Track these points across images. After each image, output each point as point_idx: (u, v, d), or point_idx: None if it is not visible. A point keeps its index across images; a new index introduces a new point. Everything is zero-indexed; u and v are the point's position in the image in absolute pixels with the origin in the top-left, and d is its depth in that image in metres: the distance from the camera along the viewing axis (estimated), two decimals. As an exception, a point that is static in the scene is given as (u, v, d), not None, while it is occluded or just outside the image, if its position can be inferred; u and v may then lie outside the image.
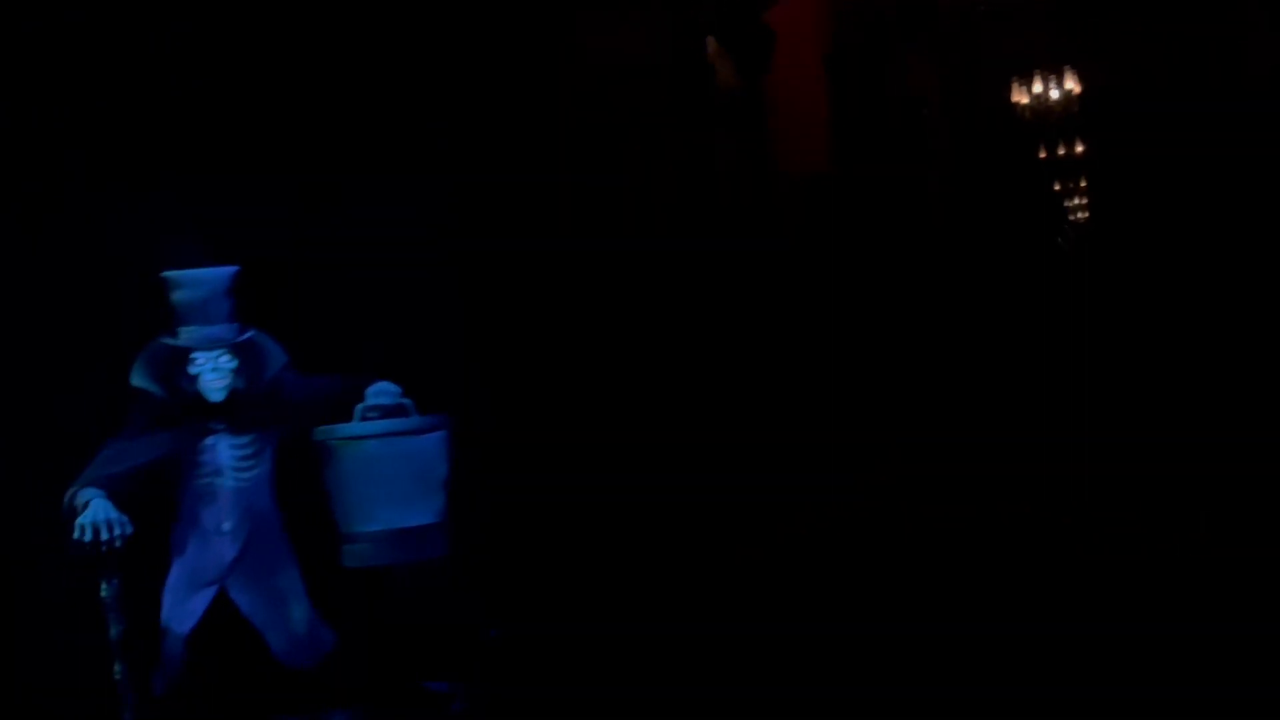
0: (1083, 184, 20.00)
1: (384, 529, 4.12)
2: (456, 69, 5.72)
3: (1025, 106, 16.90)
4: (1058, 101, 16.71)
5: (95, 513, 4.00)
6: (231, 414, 4.31)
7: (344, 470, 4.16)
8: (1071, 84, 16.69)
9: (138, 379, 4.29)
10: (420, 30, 5.57)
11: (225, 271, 4.35)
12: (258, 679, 4.24)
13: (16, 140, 4.84)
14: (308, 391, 4.39)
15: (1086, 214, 20.62)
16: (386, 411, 4.21)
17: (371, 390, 4.26)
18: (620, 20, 8.31)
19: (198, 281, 4.32)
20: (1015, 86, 16.83)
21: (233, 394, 4.29)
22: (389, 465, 4.13)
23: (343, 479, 4.16)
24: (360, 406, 4.22)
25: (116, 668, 4.02)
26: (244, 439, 4.32)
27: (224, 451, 4.31)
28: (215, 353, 4.29)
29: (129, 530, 4.02)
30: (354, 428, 4.18)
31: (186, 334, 4.31)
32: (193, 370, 4.27)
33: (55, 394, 4.79)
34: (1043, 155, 18.44)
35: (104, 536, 3.98)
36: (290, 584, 4.36)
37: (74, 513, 4.04)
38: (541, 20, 6.50)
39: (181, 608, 4.28)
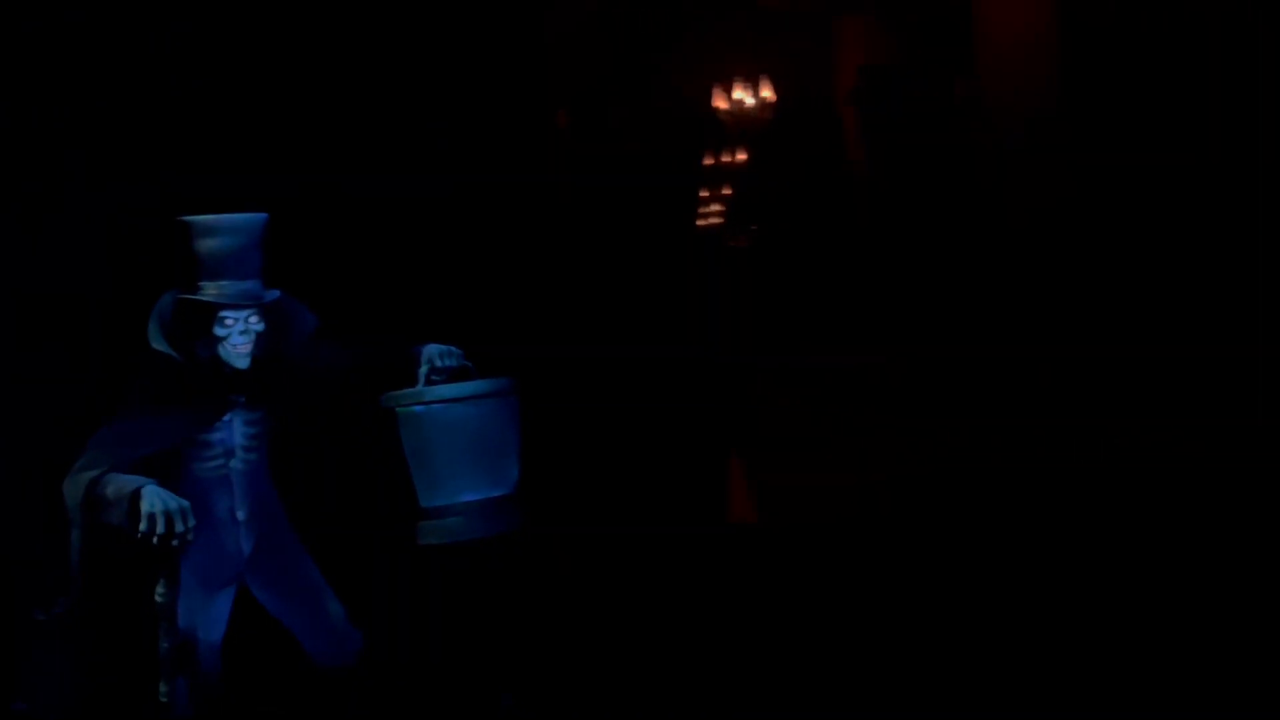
0: (726, 191, 20.38)
1: (468, 500, 3.74)
2: (456, 68, 5.73)
3: (725, 112, 17.21)
4: (752, 108, 17.00)
5: (163, 500, 3.44)
6: (251, 386, 3.76)
7: (424, 438, 3.73)
8: (768, 92, 16.99)
9: (157, 341, 3.70)
10: (418, 29, 5.57)
11: (258, 218, 3.77)
12: (295, 683, 3.95)
13: (16, 140, 4.80)
14: (336, 360, 3.88)
15: (721, 220, 21.05)
16: (453, 374, 3.82)
17: (433, 352, 3.81)
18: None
19: (232, 228, 3.71)
20: (716, 92, 17.12)
21: (255, 362, 3.74)
22: (470, 431, 3.73)
23: (422, 448, 3.74)
24: (423, 370, 3.78)
25: (162, 688, 3.55)
26: (255, 415, 3.81)
27: (238, 429, 3.78)
28: (245, 312, 3.70)
29: (193, 521, 3.49)
30: (435, 390, 3.76)
31: (214, 289, 3.67)
32: (220, 331, 3.69)
33: (54, 395, 4.71)
34: (708, 161, 18.82)
35: (179, 528, 3.43)
36: (315, 575, 3.93)
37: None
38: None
39: (203, 615, 3.77)
